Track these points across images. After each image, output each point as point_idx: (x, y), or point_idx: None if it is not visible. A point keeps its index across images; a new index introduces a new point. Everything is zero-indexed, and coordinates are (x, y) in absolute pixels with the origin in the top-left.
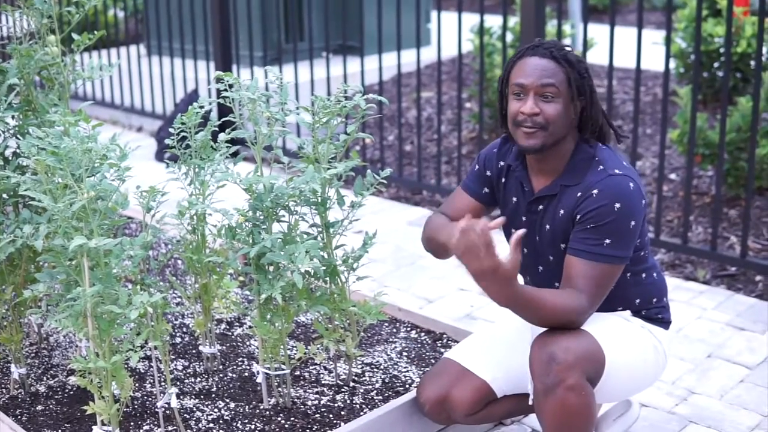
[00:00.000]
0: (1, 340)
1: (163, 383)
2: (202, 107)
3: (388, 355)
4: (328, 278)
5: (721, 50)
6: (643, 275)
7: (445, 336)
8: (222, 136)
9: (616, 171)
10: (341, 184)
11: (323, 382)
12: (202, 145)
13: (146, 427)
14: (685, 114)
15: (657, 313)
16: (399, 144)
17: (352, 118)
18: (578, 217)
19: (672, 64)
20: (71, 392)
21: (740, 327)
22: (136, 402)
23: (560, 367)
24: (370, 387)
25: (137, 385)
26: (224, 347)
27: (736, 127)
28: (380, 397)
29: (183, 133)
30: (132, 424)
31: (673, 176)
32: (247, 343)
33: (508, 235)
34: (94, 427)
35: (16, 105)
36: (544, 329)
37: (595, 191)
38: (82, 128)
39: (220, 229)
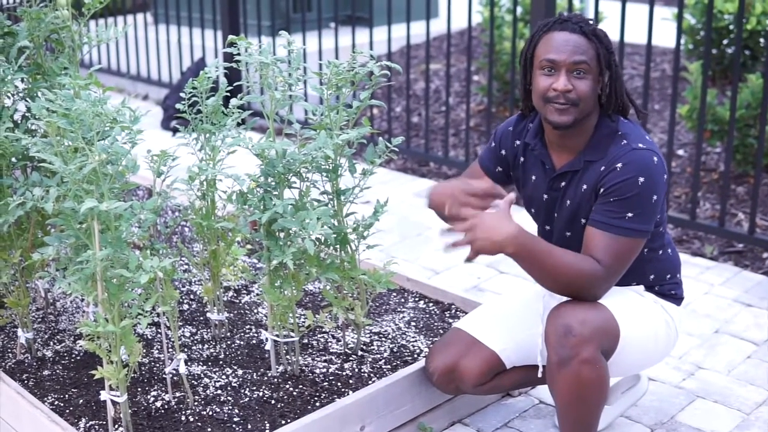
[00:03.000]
0: (9, 304)
1: (171, 349)
2: (214, 71)
3: (396, 324)
4: (338, 246)
5: (731, 27)
6: (660, 251)
7: (453, 306)
8: (234, 101)
9: (640, 145)
10: (353, 152)
11: (331, 350)
12: (213, 111)
13: (154, 393)
14: (695, 90)
15: (670, 289)
16: (407, 115)
17: (362, 87)
18: (601, 190)
19: (681, 41)
20: (78, 357)
21: (747, 303)
22: (144, 368)
23: (576, 340)
24: (378, 356)
25: (145, 351)
26: (232, 314)
27: (746, 104)
28: (388, 366)
29: (194, 98)
30: (140, 389)
31: (681, 152)
32: (255, 310)
33: (531, 213)
34: (101, 391)
35: (26, 68)
36: (560, 302)
37: (620, 165)
38: (92, 92)
39: (230, 194)
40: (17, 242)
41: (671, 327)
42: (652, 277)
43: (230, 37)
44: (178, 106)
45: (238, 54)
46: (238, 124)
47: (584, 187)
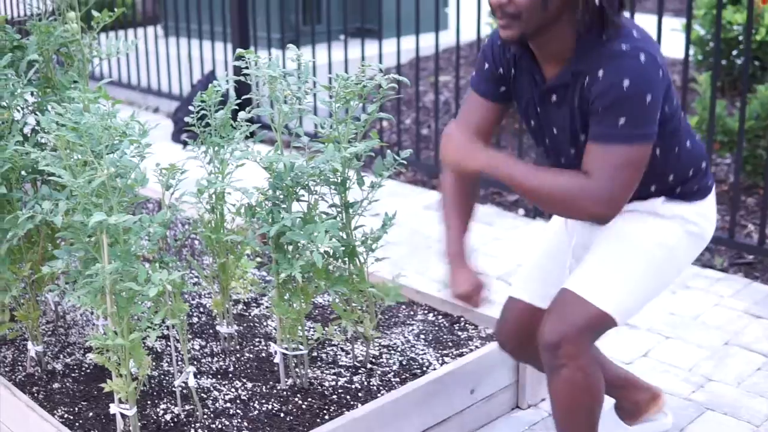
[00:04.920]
0: (19, 317)
1: (180, 362)
2: (222, 85)
3: (405, 337)
4: (347, 259)
5: (740, 38)
6: (676, 149)
7: (462, 319)
8: (242, 114)
9: (623, 46)
10: (361, 165)
11: (340, 363)
12: (222, 124)
13: (163, 406)
14: (704, 101)
15: (694, 185)
16: (416, 128)
17: (370, 100)
18: (591, 103)
19: (690, 51)
20: (88, 370)
21: (757, 315)
22: (153, 381)
23: (561, 352)
24: (388, 369)
25: (154, 364)
26: (241, 327)
27: (755, 115)
28: (397, 379)
29: (203, 112)
30: (149, 402)
31: None
32: (265, 323)
33: (529, 129)
34: (111, 404)
35: (36, 81)
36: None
37: (601, 72)
38: (101, 105)
39: (239, 208)
40: (27, 255)
41: (694, 233)
42: (671, 177)
43: (239, 50)
44: (187, 119)
45: (247, 67)
46: (248, 137)
47: (577, 100)
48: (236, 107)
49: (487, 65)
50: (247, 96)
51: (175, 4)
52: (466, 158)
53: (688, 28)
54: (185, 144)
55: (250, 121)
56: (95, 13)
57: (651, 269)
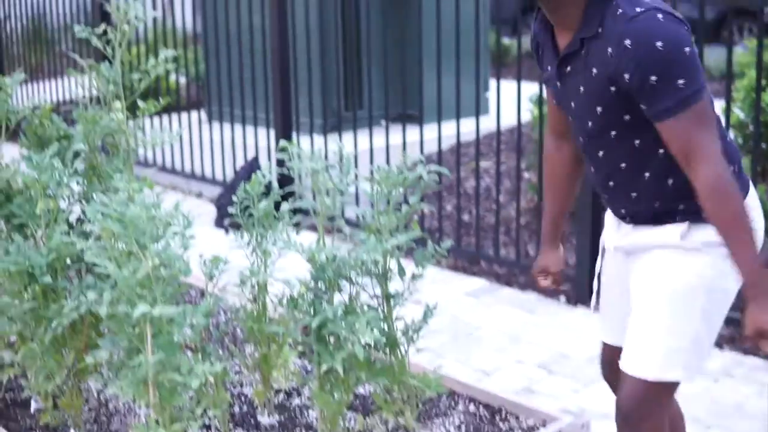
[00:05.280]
0: (62, 405)
1: None
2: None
3: (446, 428)
4: (388, 350)
5: None
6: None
7: (503, 410)
8: (285, 206)
9: (638, 9)
10: (402, 254)
11: None
12: (265, 214)
13: None
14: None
15: None
16: (457, 214)
17: (411, 190)
18: (627, 78)
19: (731, 135)
20: None
21: None
22: None
23: (630, 425)
24: None
25: None
26: (283, 417)
27: None
28: None
29: (246, 202)
30: None
31: None
32: (306, 413)
33: (562, 108)
34: None
35: (81, 171)
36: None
37: (628, 42)
38: (146, 195)
39: (281, 299)
40: (71, 343)
41: (727, 274)
42: (678, 189)
43: (281, 142)
44: (230, 210)
45: (289, 159)
46: (294, 225)
47: (594, 71)
48: (279, 199)
49: (537, 57)
50: (290, 187)
51: (218, 90)
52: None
53: (727, 111)
54: (228, 230)
55: (294, 210)
56: (141, 104)
57: (695, 316)
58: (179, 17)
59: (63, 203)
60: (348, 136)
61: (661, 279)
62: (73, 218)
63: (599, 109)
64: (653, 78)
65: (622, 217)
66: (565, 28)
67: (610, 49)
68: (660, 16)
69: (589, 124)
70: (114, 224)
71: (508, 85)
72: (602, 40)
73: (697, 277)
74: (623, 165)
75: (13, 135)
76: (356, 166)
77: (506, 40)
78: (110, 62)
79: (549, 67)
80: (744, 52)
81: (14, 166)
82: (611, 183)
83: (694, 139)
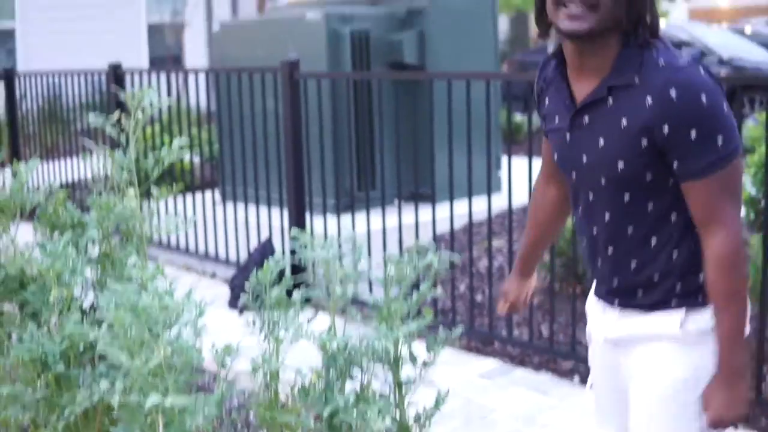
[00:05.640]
0: None
1: None
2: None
3: None
4: None
5: None
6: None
7: None
8: (296, 295)
9: (682, 62)
10: (414, 339)
11: None
12: (277, 302)
13: None
14: (757, 263)
15: (700, 285)
16: (470, 294)
17: (423, 277)
18: (666, 129)
19: (743, 212)
20: None
21: None
22: None
23: None
24: None
25: None
26: None
27: None
28: None
29: (258, 289)
30: None
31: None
32: None
33: (561, 167)
34: None
35: (95, 258)
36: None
37: (674, 92)
38: (159, 282)
39: (293, 387)
40: (84, 431)
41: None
42: (701, 276)
43: (293, 231)
44: (242, 298)
45: (302, 247)
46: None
47: (624, 121)
48: (290, 287)
49: (538, 101)
50: (302, 276)
51: (232, 170)
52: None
53: None
54: (242, 311)
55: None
56: (154, 190)
57: (696, 411)
58: (193, 96)
59: (77, 290)
60: (361, 216)
61: (661, 378)
62: (87, 304)
63: (621, 164)
64: (694, 132)
65: (610, 296)
66: (591, 73)
67: (649, 99)
68: (702, 71)
69: (603, 181)
70: (126, 314)
71: (521, 162)
72: (637, 88)
73: (695, 370)
74: (630, 230)
75: (29, 215)
76: (369, 246)
77: (518, 117)
78: (124, 150)
79: (557, 117)
80: (755, 125)
81: (28, 252)
82: (610, 249)
83: (720, 203)
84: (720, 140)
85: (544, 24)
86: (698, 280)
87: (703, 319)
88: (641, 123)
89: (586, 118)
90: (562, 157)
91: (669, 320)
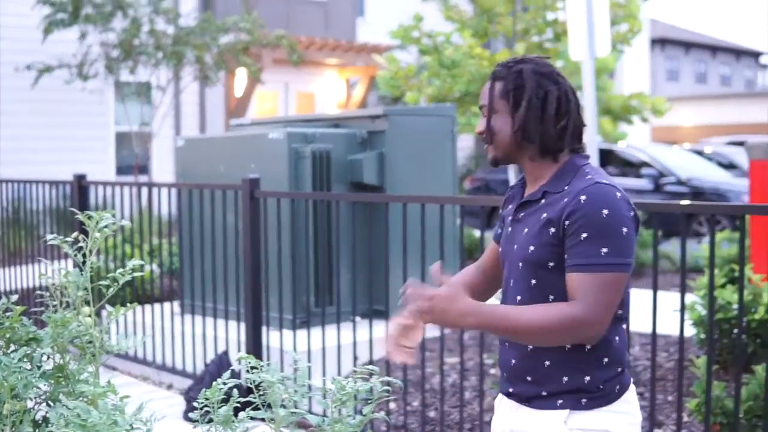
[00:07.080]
0: None
1: None
2: (225, 384)
3: None
4: None
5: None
6: (616, 338)
7: None
8: (242, 415)
9: (603, 181)
10: None
11: None
12: (224, 420)
13: None
14: (702, 383)
15: (615, 386)
16: (422, 410)
17: (366, 400)
18: (566, 224)
19: (693, 331)
20: None
21: None
22: None
23: None
24: None
25: None
26: None
27: (754, 396)
28: None
29: (206, 407)
30: None
31: None
32: None
33: (502, 259)
34: None
35: (49, 372)
36: None
37: (583, 197)
38: (110, 399)
39: None
40: None
41: None
42: (605, 361)
43: (239, 355)
44: (192, 412)
45: (248, 370)
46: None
47: (544, 215)
48: (237, 405)
49: (503, 205)
50: (249, 399)
51: (191, 283)
52: (456, 321)
53: (681, 310)
54: (195, 424)
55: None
56: (109, 308)
57: None
58: (156, 206)
59: (29, 403)
60: (317, 332)
61: None
62: (39, 416)
63: (531, 248)
64: (584, 234)
65: (508, 385)
66: (536, 182)
67: (565, 200)
68: (618, 194)
69: (520, 265)
70: (76, 430)
71: None
72: (563, 193)
73: None
74: None
75: None
76: (324, 362)
77: (477, 233)
78: (81, 269)
79: (509, 217)
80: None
81: None
82: None
83: (591, 296)
84: (604, 251)
85: None
86: (584, 380)
87: (586, 419)
88: (553, 215)
89: (522, 214)
90: (503, 250)
91: (555, 418)
